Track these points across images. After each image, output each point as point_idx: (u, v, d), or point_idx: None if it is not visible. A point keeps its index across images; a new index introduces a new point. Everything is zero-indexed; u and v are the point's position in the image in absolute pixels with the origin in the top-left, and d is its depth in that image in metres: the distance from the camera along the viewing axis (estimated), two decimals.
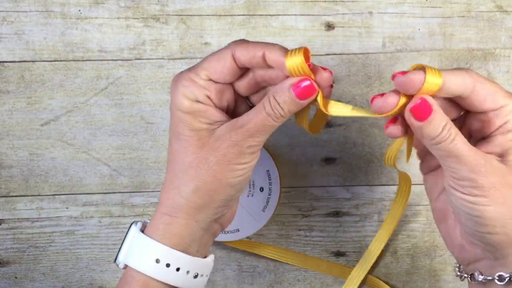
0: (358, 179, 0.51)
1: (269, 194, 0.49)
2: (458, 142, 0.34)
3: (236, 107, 0.39)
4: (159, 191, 0.51)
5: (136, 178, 0.51)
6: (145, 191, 0.51)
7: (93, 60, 0.49)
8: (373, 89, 0.50)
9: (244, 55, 0.35)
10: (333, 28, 0.50)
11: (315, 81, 0.35)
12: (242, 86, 0.38)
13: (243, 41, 0.36)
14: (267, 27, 0.49)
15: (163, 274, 0.36)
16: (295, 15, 0.49)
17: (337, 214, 0.52)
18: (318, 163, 0.51)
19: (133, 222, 0.38)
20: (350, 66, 0.50)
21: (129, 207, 0.51)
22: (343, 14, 0.49)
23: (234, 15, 0.49)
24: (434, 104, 0.34)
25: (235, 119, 0.36)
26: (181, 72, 0.37)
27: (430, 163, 0.40)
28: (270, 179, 0.49)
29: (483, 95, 0.35)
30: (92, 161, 0.50)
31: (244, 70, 0.37)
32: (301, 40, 0.49)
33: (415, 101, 0.34)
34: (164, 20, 0.49)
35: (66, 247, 0.51)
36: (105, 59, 0.49)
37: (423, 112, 0.34)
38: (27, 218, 0.51)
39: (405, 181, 0.45)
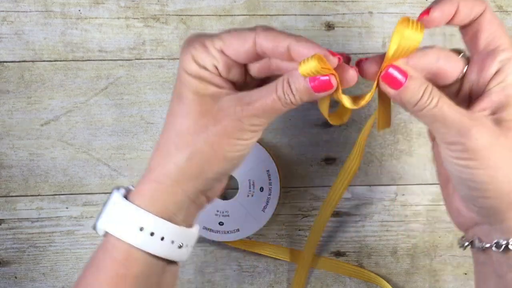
0: (358, 179, 0.51)
1: (269, 194, 0.49)
2: (443, 105, 0.33)
3: (244, 85, 0.38)
4: None
5: (136, 178, 0.51)
6: None
7: (93, 60, 0.49)
8: None
9: (268, 43, 0.34)
10: (333, 28, 0.50)
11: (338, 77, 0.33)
12: (255, 68, 0.36)
13: (269, 28, 0.35)
14: None
15: (146, 243, 0.34)
16: (295, 15, 0.49)
17: (337, 214, 0.52)
18: (318, 163, 0.51)
19: (114, 188, 0.36)
20: None
21: None
22: (343, 14, 0.49)
23: (234, 15, 0.49)
24: (409, 69, 0.33)
25: (242, 93, 0.35)
26: (195, 35, 0.36)
27: None
28: (270, 179, 0.49)
29: (486, 30, 0.34)
30: (92, 161, 0.50)
31: (260, 57, 0.36)
32: None
33: (385, 68, 0.33)
34: (164, 20, 0.49)
35: (66, 247, 0.51)
36: (105, 59, 0.49)
37: (396, 79, 0.33)
38: (27, 218, 0.51)
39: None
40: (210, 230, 0.49)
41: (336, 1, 0.49)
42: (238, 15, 0.49)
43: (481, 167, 0.33)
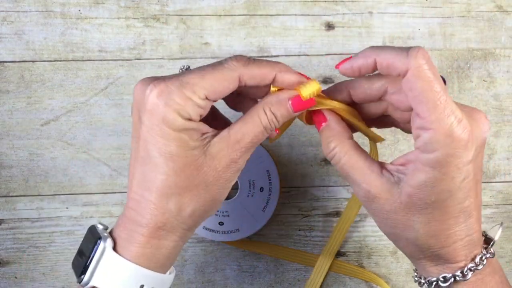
0: None
1: (269, 194, 0.49)
2: (343, 165, 0.35)
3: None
4: None
5: None
6: None
7: (93, 60, 0.49)
8: None
9: (253, 79, 0.35)
10: (333, 28, 0.50)
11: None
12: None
13: (248, 62, 0.35)
14: (267, 27, 0.49)
15: None
16: (295, 15, 0.49)
17: (337, 214, 0.52)
18: (318, 163, 0.51)
19: (98, 238, 0.35)
20: None
21: None
22: (343, 14, 0.49)
23: (234, 15, 0.49)
24: (329, 116, 0.36)
25: (225, 133, 0.35)
26: (168, 85, 0.33)
27: None
28: (270, 179, 0.49)
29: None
30: (92, 161, 0.50)
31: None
32: (301, 40, 0.49)
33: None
34: (164, 20, 0.49)
35: (66, 247, 0.51)
36: (105, 59, 0.49)
37: (317, 121, 0.37)
38: (27, 218, 0.51)
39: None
40: (210, 230, 0.49)
41: (336, 1, 0.49)
42: (238, 15, 0.49)
43: (378, 223, 0.36)
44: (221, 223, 0.49)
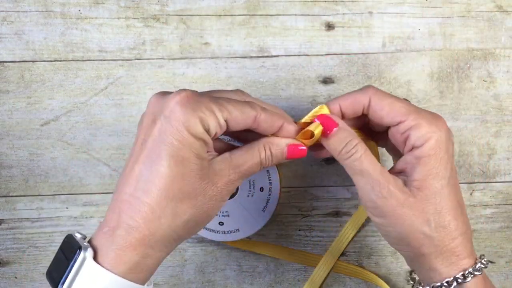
0: None
1: (269, 194, 0.49)
2: (364, 160, 0.37)
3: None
4: None
5: None
6: None
7: (93, 60, 0.49)
8: None
9: (266, 123, 0.37)
10: (333, 28, 0.50)
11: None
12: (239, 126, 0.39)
13: (266, 110, 0.38)
14: (267, 27, 0.49)
15: None
16: (295, 15, 0.49)
17: (337, 214, 0.52)
18: (318, 163, 0.51)
19: (78, 248, 0.34)
20: (350, 66, 0.50)
21: None
22: (343, 14, 0.49)
23: (234, 15, 0.49)
24: (340, 121, 0.38)
25: (227, 155, 0.37)
26: (202, 97, 0.35)
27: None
28: (270, 179, 0.49)
29: (379, 112, 0.38)
30: (92, 161, 0.50)
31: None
32: (301, 40, 0.49)
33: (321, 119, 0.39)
34: (164, 20, 0.49)
35: None
36: (105, 59, 0.49)
37: (327, 127, 0.38)
38: (27, 218, 0.51)
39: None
40: (210, 230, 0.49)
41: (336, 1, 0.49)
42: (238, 15, 0.49)
43: (390, 225, 0.37)
44: (221, 223, 0.49)
